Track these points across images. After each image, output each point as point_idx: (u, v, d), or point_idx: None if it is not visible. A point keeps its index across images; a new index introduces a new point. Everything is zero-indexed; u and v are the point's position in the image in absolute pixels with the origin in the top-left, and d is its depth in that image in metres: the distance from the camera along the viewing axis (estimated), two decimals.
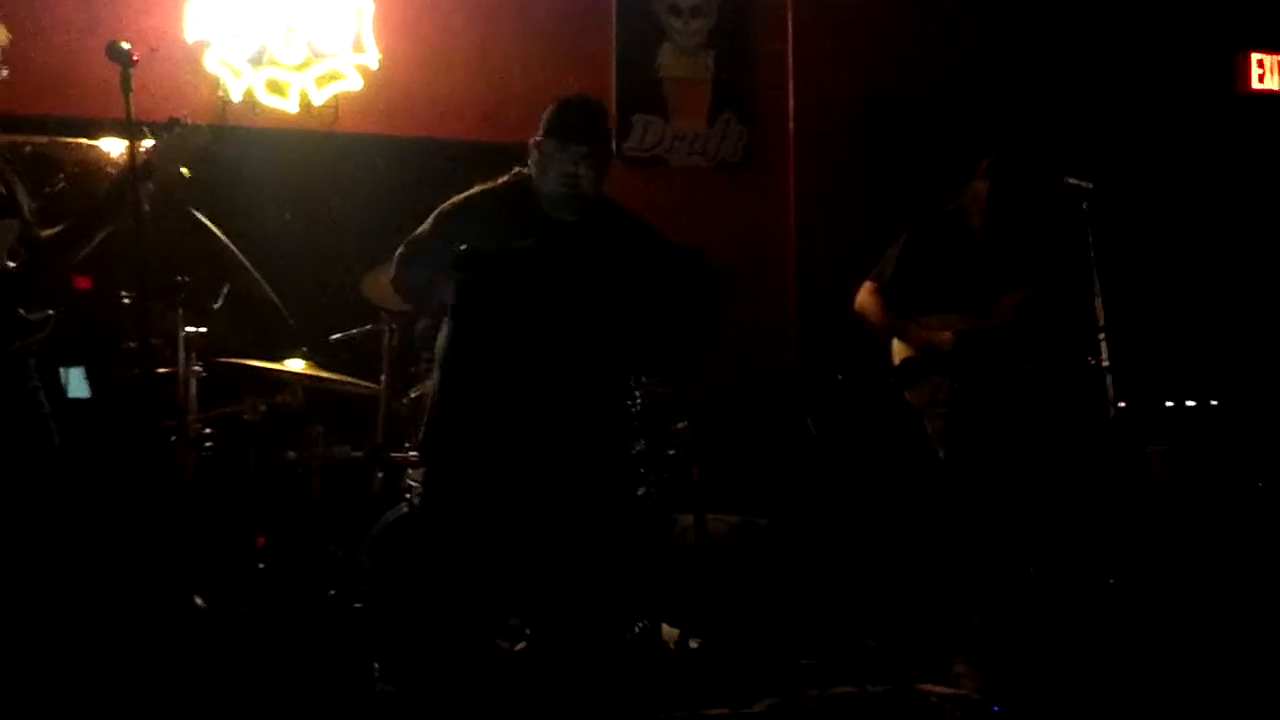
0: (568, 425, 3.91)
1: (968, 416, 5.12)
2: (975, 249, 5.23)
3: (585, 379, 3.89)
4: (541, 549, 3.94)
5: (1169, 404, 6.71)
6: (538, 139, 3.98)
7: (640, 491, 5.21)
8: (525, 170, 4.04)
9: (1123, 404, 5.11)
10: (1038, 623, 4.99)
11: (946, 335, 5.15)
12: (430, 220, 4.01)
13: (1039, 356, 5.14)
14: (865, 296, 5.32)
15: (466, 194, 4.04)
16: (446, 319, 4.01)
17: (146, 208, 3.91)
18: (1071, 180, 5.16)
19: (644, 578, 4.93)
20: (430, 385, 4.15)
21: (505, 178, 4.06)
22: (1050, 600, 5.11)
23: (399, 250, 4.01)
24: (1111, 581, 5.21)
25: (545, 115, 4.00)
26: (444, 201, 4.06)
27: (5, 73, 4.11)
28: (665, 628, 5.08)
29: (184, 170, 4.21)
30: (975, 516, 5.09)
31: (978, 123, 7.01)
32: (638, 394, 5.24)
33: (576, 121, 3.96)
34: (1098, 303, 5.07)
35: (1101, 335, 5.06)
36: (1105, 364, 5.05)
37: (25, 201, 4.11)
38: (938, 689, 4.82)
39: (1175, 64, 7.51)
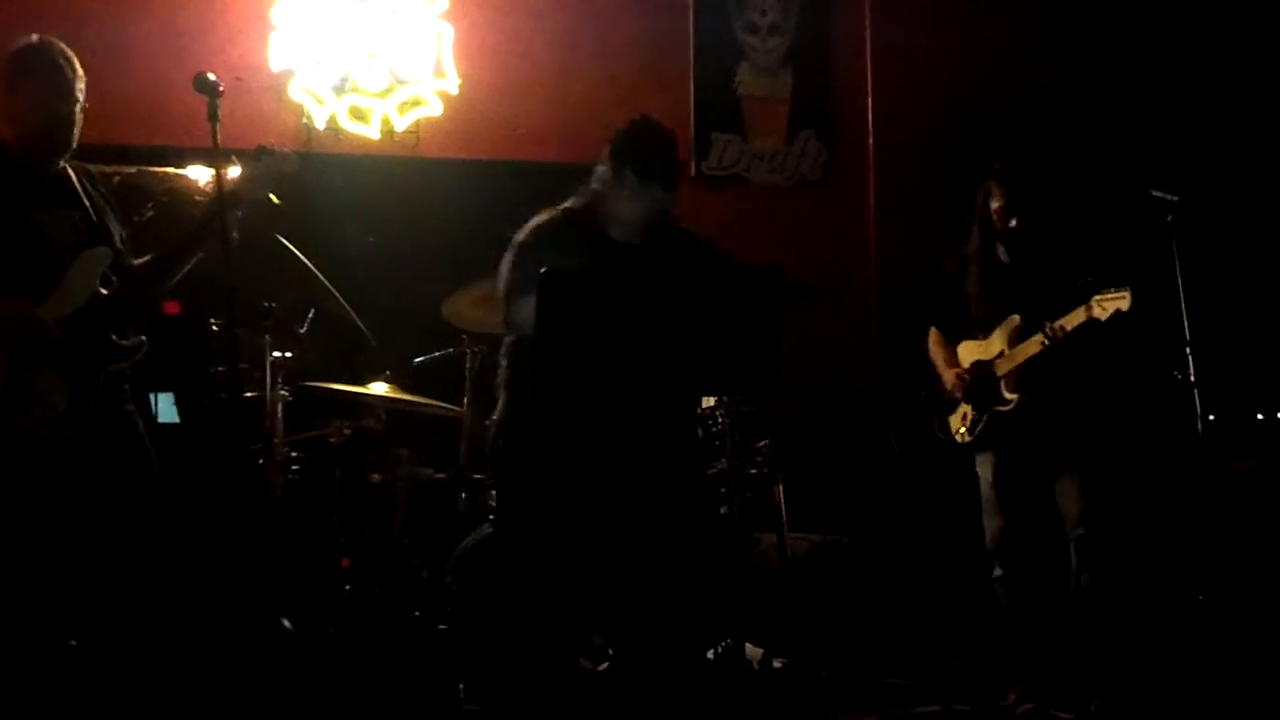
0: (645, 444, 3.95)
1: (984, 447, 5.01)
2: (982, 271, 5.03)
3: (661, 399, 3.92)
4: (620, 568, 3.96)
5: (1260, 417, 6.60)
6: (616, 168, 4.00)
7: (722, 510, 5.23)
8: (596, 188, 4.07)
9: (1211, 417, 5.01)
10: (1115, 645, 4.85)
11: (950, 377, 5.06)
12: (513, 255, 4.03)
13: (1040, 385, 4.86)
14: (930, 338, 5.26)
15: (535, 222, 4.07)
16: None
17: (235, 235, 3.95)
18: (1156, 193, 5.03)
19: (726, 597, 4.93)
20: (500, 405, 4.16)
21: (569, 202, 4.10)
22: (1125, 619, 4.99)
23: (506, 292, 4.00)
24: (1200, 598, 5.11)
25: (624, 143, 4.02)
26: (523, 224, 4.09)
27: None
28: (749, 647, 5.07)
29: (273, 197, 4.26)
30: (1011, 540, 4.94)
31: (1061, 138, 6.94)
32: (719, 415, 5.26)
33: (664, 164, 4.00)
34: (1184, 316, 4.97)
35: (1188, 349, 4.95)
36: (1192, 378, 4.95)
37: (116, 230, 4.15)
38: (1022, 707, 4.79)
39: (1267, 72, 7.39)
